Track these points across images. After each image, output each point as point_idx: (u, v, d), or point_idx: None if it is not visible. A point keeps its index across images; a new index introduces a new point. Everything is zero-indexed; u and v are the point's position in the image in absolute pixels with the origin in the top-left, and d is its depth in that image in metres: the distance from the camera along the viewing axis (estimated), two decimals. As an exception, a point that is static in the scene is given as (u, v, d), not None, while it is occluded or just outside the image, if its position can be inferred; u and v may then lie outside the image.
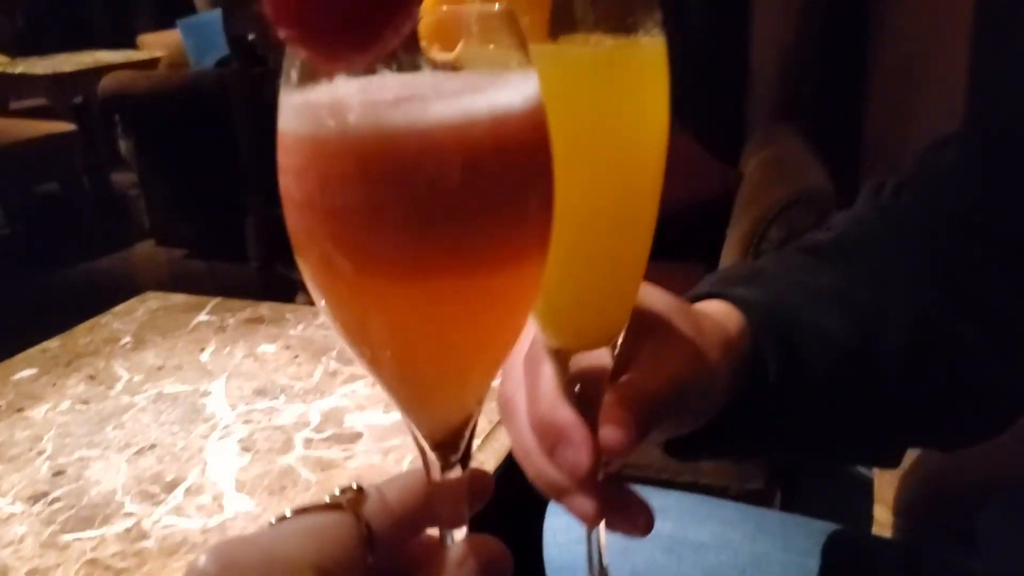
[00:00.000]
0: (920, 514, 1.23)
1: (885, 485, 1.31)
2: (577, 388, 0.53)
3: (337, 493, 0.45)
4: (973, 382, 0.71)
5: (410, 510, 0.46)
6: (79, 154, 4.88)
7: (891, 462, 0.75)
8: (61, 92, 5.13)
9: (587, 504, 0.52)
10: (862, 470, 1.94)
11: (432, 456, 0.46)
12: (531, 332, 0.54)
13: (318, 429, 1.08)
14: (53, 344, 1.37)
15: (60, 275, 4.34)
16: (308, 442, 1.05)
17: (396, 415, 1.08)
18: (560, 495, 0.54)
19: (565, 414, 0.52)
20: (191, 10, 5.38)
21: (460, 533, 0.48)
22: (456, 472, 0.46)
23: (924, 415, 0.72)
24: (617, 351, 0.54)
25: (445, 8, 0.41)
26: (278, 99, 0.40)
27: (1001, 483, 1.05)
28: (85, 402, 1.19)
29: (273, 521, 0.44)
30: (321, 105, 0.38)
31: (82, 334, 1.41)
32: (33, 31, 6.00)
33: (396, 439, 1.04)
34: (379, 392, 1.15)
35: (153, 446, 1.07)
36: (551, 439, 0.52)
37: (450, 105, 0.37)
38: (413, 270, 0.38)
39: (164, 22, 5.73)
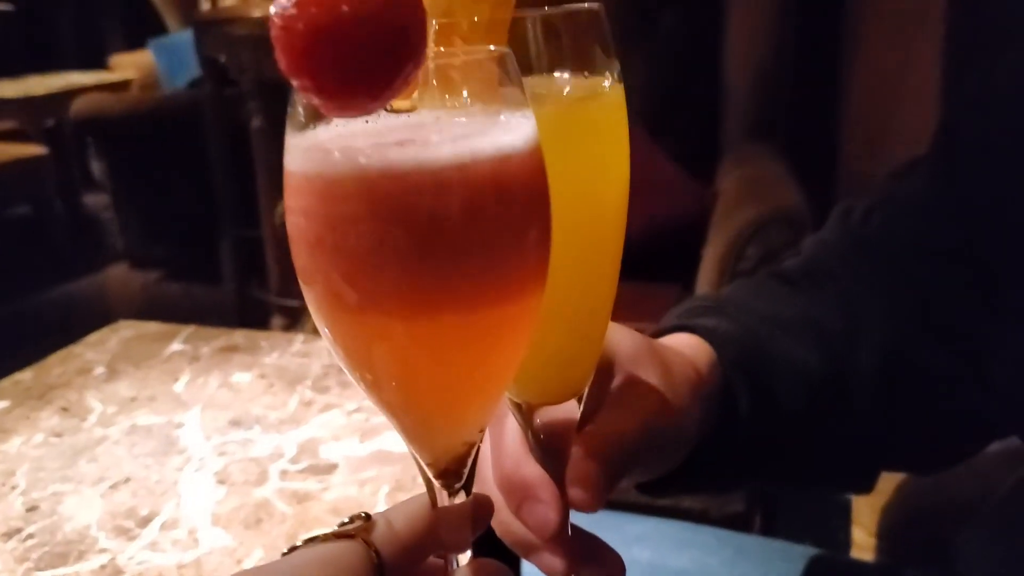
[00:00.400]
0: (900, 535, 1.24)
1: (863, 507, 1.32)
2: (543, 441, 0.53)
3: (346, 521, 0.46)
4: (945, 406, 0.72)
5: (417, 537, 0.47)
6: (51, 177, 4.85)
7: (864, 488, 0.75)
8: (32, 115, 5.08)
9: (556, 562, 0.52)
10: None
11: (437, 484, 0.47)
12: None
13: (294, 460, 1.07)
14: (26, 376, 1.36)
15: (33, 299, 4.31)
16: (284, 474, 1.04)
17: (372, 445, 1.08)
18: (528, 552, 0.53)
19: (531, 470, 0.51)
20: (163, 30, 5.36)
21: (464, 557, 0.49)
22: (460, 498, 0.47)
23: (897, 441, 0.72)
24: (584, 399, 0.53)
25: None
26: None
27: (980, 503, 1.06)
28: (58, 435, 1.17)
29: (285, 552, 0.45)
30: (331, 148, 0.39)
31: (55, 364, 1.39)
32: (1, 52, 5.95)
33: (372, 470, 1.03)
34: (355, 422, 1.14)
35: (127, 480, 1.06)
36: (518, 496, 0.51)
37: (457, 146, 0.38)
38: (424, 307, 0.39)
39: (135, 42, 5.70)
